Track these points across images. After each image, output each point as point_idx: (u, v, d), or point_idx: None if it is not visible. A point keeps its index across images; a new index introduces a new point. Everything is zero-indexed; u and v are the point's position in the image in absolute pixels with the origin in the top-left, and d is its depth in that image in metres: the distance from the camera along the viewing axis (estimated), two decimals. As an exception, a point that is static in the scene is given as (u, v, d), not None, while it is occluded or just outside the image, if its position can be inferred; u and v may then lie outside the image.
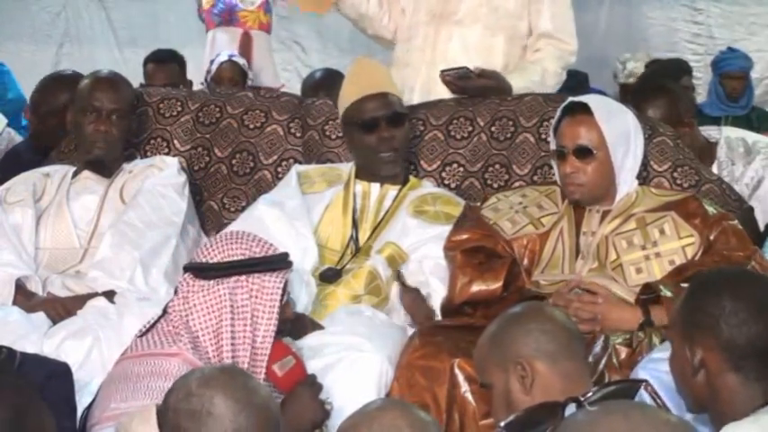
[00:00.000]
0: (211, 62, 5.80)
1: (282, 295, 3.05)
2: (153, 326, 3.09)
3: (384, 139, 3.70)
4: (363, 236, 3.67)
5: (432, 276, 3.51)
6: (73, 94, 3.99)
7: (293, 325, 3.36)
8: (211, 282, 3.02)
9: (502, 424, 2.09)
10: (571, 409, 2.04)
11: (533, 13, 4.18)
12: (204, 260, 3.07)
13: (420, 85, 4.20)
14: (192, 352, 2.95)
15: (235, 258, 3.03)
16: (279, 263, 3.06)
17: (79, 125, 3.83)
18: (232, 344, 2.97)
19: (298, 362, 3.01)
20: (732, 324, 2.34)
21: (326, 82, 5.59)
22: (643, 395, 2.61)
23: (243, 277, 3.01)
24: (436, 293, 3.48)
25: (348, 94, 3.79)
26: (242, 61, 5.79)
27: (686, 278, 3.15)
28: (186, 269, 3.12)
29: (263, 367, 2.98)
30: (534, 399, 2.50)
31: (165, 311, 3.09)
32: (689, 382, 2.40)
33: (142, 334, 3.07)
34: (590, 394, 2.09)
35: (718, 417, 2.34)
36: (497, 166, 3.92)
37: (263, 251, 3.05)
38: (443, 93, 4.09)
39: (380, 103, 3.72)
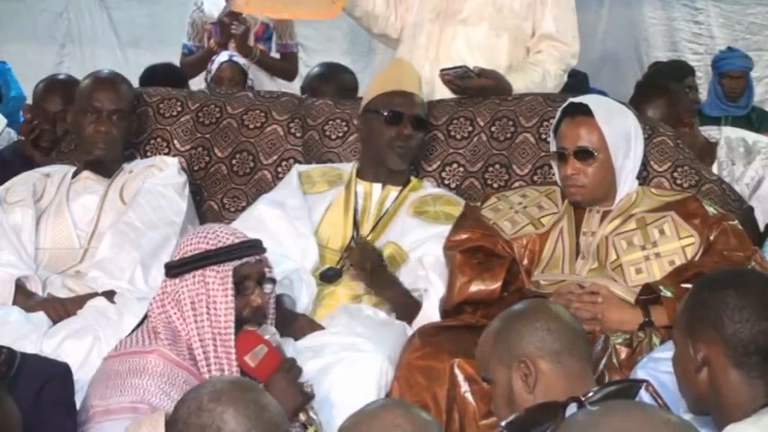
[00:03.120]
0: (211, 62, 5.80)
1: (243, 283, 3.02)
2: (139, 325, 3.10)
3: (403, 136, 3.72)
4: (364, 236, 3.67)
5: (431, 272, 3.51)
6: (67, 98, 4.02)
7: (292, 325, 3.37)
8: (176, 280, 3.03)
9: (503, 424, 2.09)
10: (572, 408, 2.04)
11: (537, 13, 4.18)
12: (171, 258, 3.09)
13: (423, 83, 4.19)
14: (170, 348, 2.96)
15: (189, 254, 3.03)
16: (234, 252, 3.03)
17: (79, 125, 3.83)
18: (200, 339, 2.97)
19: (271, 349, 2.96)
20: (736, 320, 2.34)
21: (330, 74, 5.57)
22: (644, 395, 2.61)
23: (198, 272, 3.01)
24: (435, 289, 3.48)
25: (380, 85, 3.83)
26: (242, 61, 5.78)
27: (686, 278, 3.16)
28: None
29: (233, 359, 2.95)
30: (537, 398, 2.50)
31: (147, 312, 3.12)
32: (692, 381, 2.39)
33: (129, 334, 3.09)
34: (591, 394, 2.09)
35: (720, 416, 2.34)
36: (497, 166, 3.92)
37: (218, 243, 3.03)
38: (446, 92, 4.09)
39: (410, 101, 3.76)
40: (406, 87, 3.79)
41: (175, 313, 3.02)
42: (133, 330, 3.11)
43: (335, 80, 5.37)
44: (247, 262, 3.04)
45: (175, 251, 3.10)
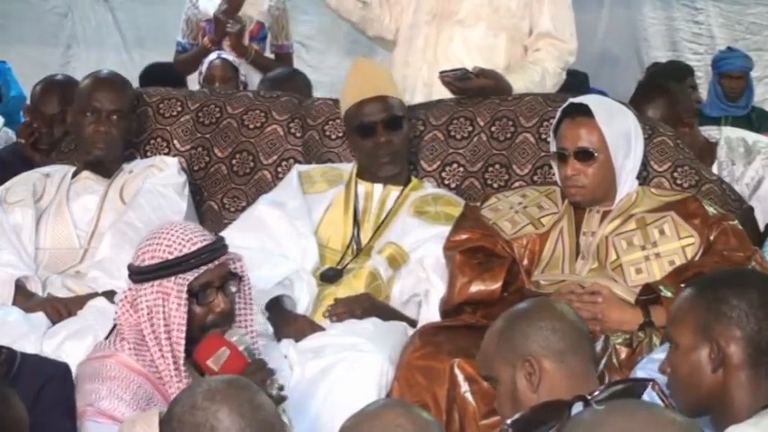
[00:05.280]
0: (201, 63, 5.79)
1: (204, 291, 2.92)
2: (114, 327, 3.07)
3: (381, 144, 3.69)
4: (365, 236, 3.67)
5: (432, 273, 3.51)
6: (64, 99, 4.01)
7: (293, 326, 3.36)
8: (136, 285, 2.95)
9: (508, 422, 2.09)
10: (578, 407, 2.04)
11: (534, 12, 4.18)
12: (131, 260, 3.00)
13: (421, 85, 4.19)
14: (129, 353, 2.91)
15: (146, 263, 2.93)
16: (191, 262, 2.91)
17: (79, 126, 3.82)
18: (159, 349, 2.90)
19: (233, 352, 2.87)
20: (760, 317, 2.33)
21: (288, 78, 5.55)
22: (651, 394, 2.59)
23: (156, 282, 2.91)
24: (435, 290, 3.48)
25: (347, 97, 3.79)
26: (231, 57, 5.77)
27: (686, 279, 3.16)
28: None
29: (181, 365, 2.89)
30: (540, 397, 2.50)
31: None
32: (698, 382, 2.36)
33: (107, 336, 3.06)
34: (597, 393, 2.09)
35: (722, 418, 2.33)
36: (497, 166, 3.92)
37: (174, 251, 2.91)
38: (445, 93, 4.08)
39: (378, 106, 3.71)
40: (371, 92, 3.72)
41: (132, 316, 2.95)
42: (110, 331, 3.09)
43: (291, 83, 5.36)
44: (207, 270, 2.92)
45: (136, 252, 2.98)
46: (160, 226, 3.03)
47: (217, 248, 2.96)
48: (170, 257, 2.90)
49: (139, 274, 2.94)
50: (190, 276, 2.90)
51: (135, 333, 2.95)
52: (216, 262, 2.94)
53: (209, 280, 2.94)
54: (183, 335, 2.89)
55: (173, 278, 2.90)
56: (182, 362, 2.89)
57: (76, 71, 6.45)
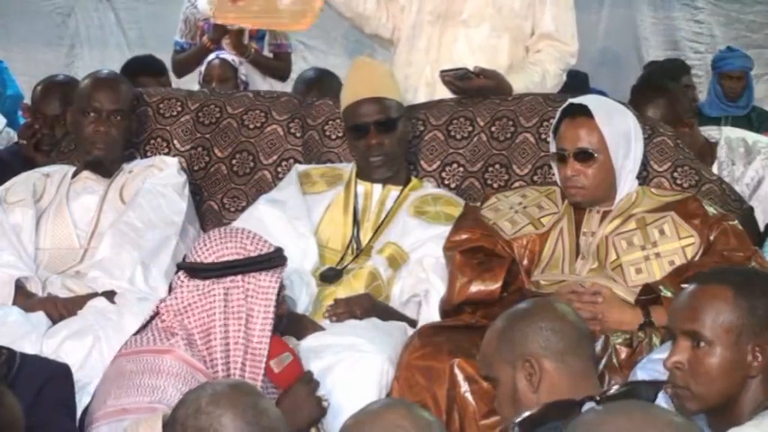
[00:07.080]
0: (201, 63, 5.79)
1: (279, 293, 3.04)
2: (148, 323, 3.08)
3: (372, 146, 3.69)
4: (365, 236, 3.68)
5: (432, 273, 3.51)
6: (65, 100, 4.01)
7: (293, 326, 3.37)
8: (207, 282, 3.00)
9: (516, 420, 2.09)
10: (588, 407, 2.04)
11: (536, 13, 4.18)
12: (198, 260, 3.04)
13: (424, 85, 4.18)
14: (185, 349, 2.95)
15: (228, 258, 3.00)
16: (274, 260, 3.04)
17: (79, 126, 3.82)
18: (225, 344, 2.96)
19: (295, 358, 2.98)
20: None
21: (319, 79, 5.56)
22: (665, 397, 2.56)
23: (238, 277, 2.99)
24: (435, 291, 3.48)
25: (344, 97, 3.80)
26: (230, 57, 5.77)
27: (686, 279, 3.15)
28: (180, 267, 3.10)
29: (262, 367, 2.96)
30: (540, 397, 2.50)
31: (158, 309, 3.09)
32: (731, 382, 2.36)
33: (137, 332, 3.07)
34: (608, 393, 2.09)
35: (721, 416, 2.33)
36: (497, 166, 3.92)
37: (258, 249, 3.02)
38: (448, 93, 4.07)
39: (372, 108, 3.70)
40: (367, 93, 3.72)
41: (194, 310, 2.99)
42: (142, 327, 3.09)
43: (329, 86, 5.36)
44: (282, 272, 3.06)
45: (203, 252, 3.04)
46: (225, 228, 3.15)
47: (284, 254, 3.09)
48: (252, 254, 3.00)
49: (214, 271, 3.00)
50: (281, 273, 3.02)
51: (184, 329, 2.98)
52: (286, 265, 3.08)
53: (281, 283, 3.06)
54: (271, 329, 2.98)
55: (257, 274, 3.00)
56: (264, 353, 2.96)
57: (80, 71, 6.47)
